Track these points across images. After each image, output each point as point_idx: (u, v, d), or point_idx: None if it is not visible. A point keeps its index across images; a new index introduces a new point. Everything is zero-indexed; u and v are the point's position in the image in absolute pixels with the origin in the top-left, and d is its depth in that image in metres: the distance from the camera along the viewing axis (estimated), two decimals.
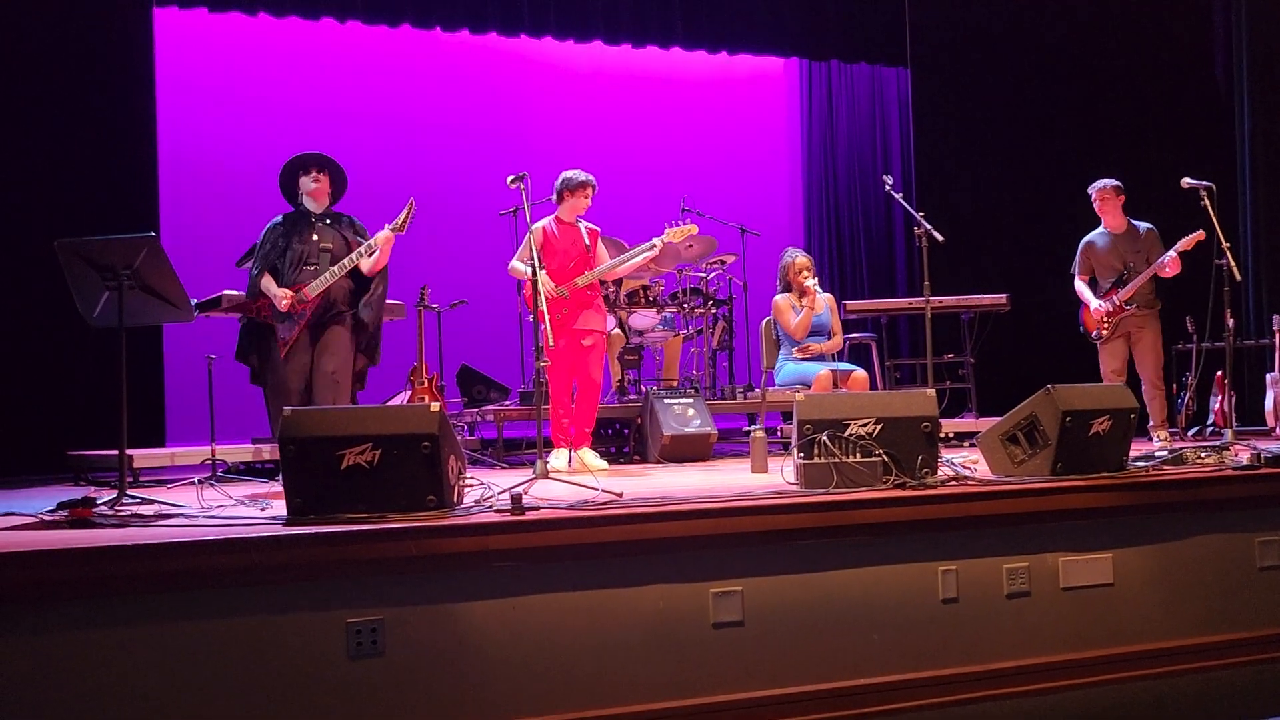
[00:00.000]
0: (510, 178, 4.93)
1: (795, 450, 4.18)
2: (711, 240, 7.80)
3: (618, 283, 7.16)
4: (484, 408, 7.25)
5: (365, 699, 3.25)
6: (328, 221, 5.25)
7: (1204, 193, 6.05)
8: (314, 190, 5.23)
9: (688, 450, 6.35)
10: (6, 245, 6.95)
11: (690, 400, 6.57)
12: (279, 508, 3.76)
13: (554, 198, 5.99)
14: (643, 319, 7.41)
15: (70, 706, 3.02)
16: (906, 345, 9.62)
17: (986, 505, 3.97)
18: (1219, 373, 7.47)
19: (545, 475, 4.33)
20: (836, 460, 4.05)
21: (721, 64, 9.91)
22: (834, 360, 6.56)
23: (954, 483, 4.17)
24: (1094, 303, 6.52)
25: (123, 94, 7.51)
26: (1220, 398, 7.61)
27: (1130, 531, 4.16)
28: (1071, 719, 3.84)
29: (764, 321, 6.75)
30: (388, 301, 5.54)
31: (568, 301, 5.83)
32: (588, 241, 5.98)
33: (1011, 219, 9.62)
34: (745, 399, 7.59)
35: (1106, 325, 6.53)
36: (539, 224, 5.88)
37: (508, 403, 7.42)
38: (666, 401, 6.51)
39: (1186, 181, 6.18)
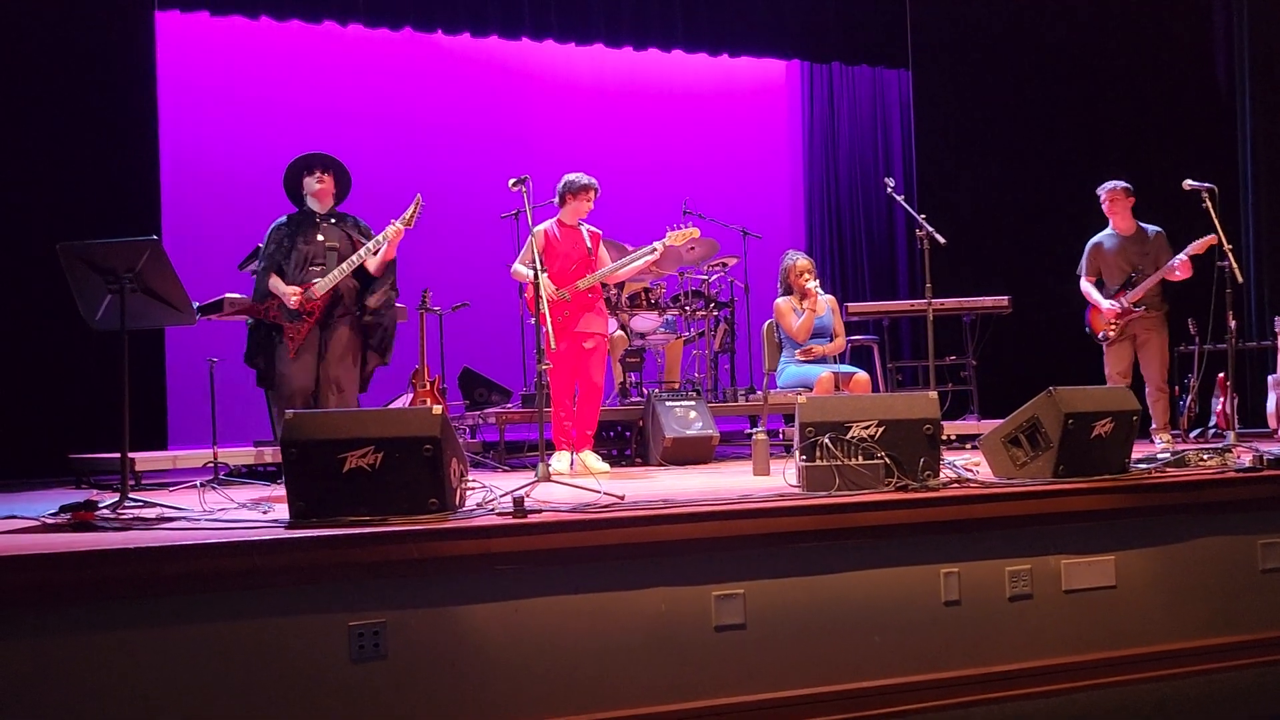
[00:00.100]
0: (512, 181, 4.93)
1: (797, 453, 4.18)
2: (713, 243, 7.80)
3: (620, 285, 7.16)
4: (486, 410, 7.26)
5: (367, 702, 3.25)
6: (332, 221, 5.26)
7: (1205, 195, 6.05)
8: (318, 191, 5.24)
9: (689, 453, 6.34)
10: (9, 248, 6.97)
11: (692, 403, 6.57)
12: (281, 511, 3.76)
13: (556, 200, 6.00)
14: (644, 321, 7.41)
15: (72, 709, 3.02)
16: (908, 347, 9.61)
17: (989, 508, 3.97)
18: (1221, 375, 7.46)
19: (547, 478, 4.33)
20: (838, 463, 4.05)
21: (723, 66, 9.91)
22: (836, 363, 6.56)
23: (956, 485, 4.16)
24: (1105, 303, 6.51)
25: (125, 97, 7.52)
26: (1222, 400, 7.61)
27: (1132, 534, 4.15)
28: None
29: (765, 324, 6.75)
30: None
31: (569, 304, 5.84)
32: (589, 244, 5.98)
33: (1013, 221, 9.62)
34: (747, 401, 7.59)
35: (1114, 327, 6.52)
36: (540, 227, 5.88)
37: (509, 405, 7.42)
38: (668, 404, 6.51)
39: (1188, 183, 6.18)
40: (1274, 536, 4.35)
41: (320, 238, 5.19)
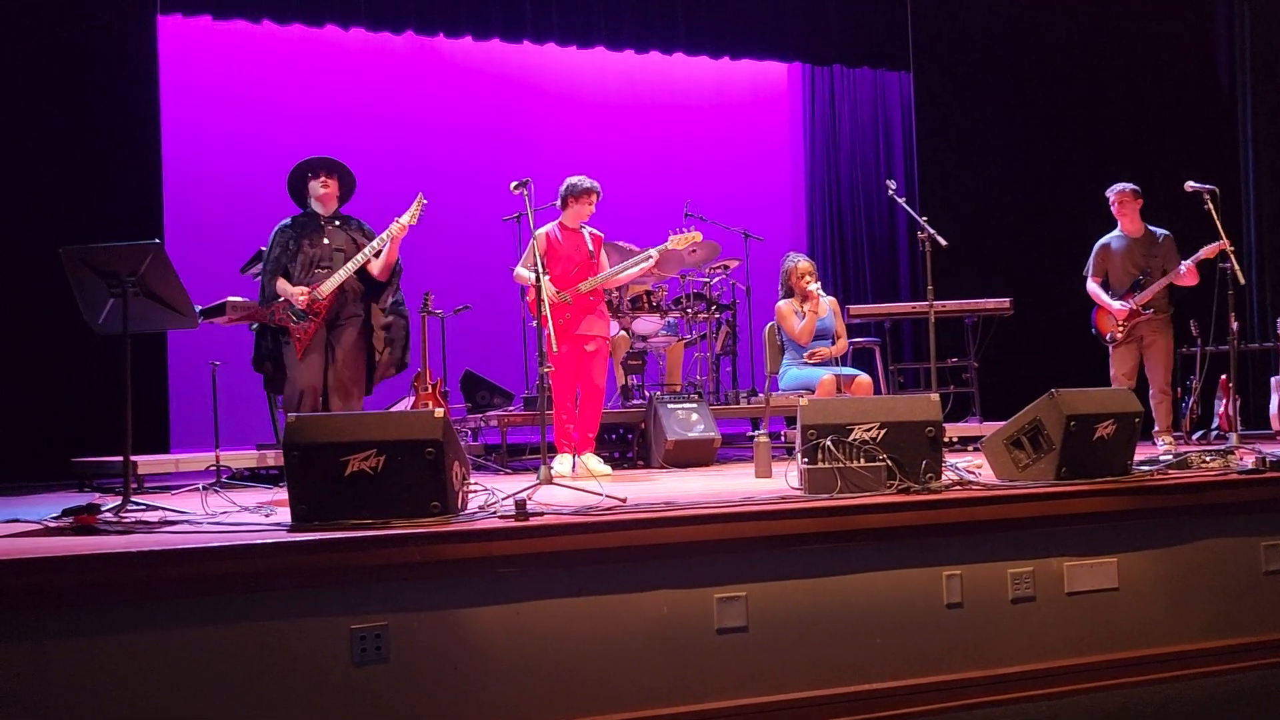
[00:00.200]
0: (514, 184, 4.94)
1: (799, 455, 4.18)
2: (715, 245, 7.80)
3: (622, 287, 7.16)
4: (488, 413, 7.26)
5: (370, 705, 3.25)
6: (337, 224, 5.28)
7: (1207, 196, 6.05)
8: (323, 195, 5.25)
9: (691, 455, 6.35)
10: (11, 252, 6.98)
11: (694, 405, 6.57)
12: (283, 514, 3.76)
13: (558, 203, 6.00)
14: (646, 324, 7.41)
15: (75, 712, 3.02)
16: (910, 349, 9.61)
17: (991, 510, 3.96)
18: (1223, 376, 7.46)
19: (549, 481, 4.33)
20: (840, 465, 4.04)
21: (724, 69, 9.91)
22: (838, 365, 6.55)
23: (958, 487, 4.16)
24: (1115, 304, 6.51)
25: (127, 100, 7.54)
26: (1225, 401, 7.60)
27: (1135, 536, 4.15)
28: None
29: (767, 326, 6.75)
30: None
31: (571, 307, 5.84)
32: (591, 247, 5.99)
33: (1014, 222, 9.62)
34: (749, 404, 7.59)
35: (1122, 329, 6.52)
36: (542, 230, 5.89)
37: (511, 408, 7.42)
38: (670, 406, 6.51)
39: (1190, 185, 6.17)
40: (1277, 538, 4.34)
41: (326, 240, 5.20)
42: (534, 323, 5.37)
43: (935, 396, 4.38)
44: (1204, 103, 9.82)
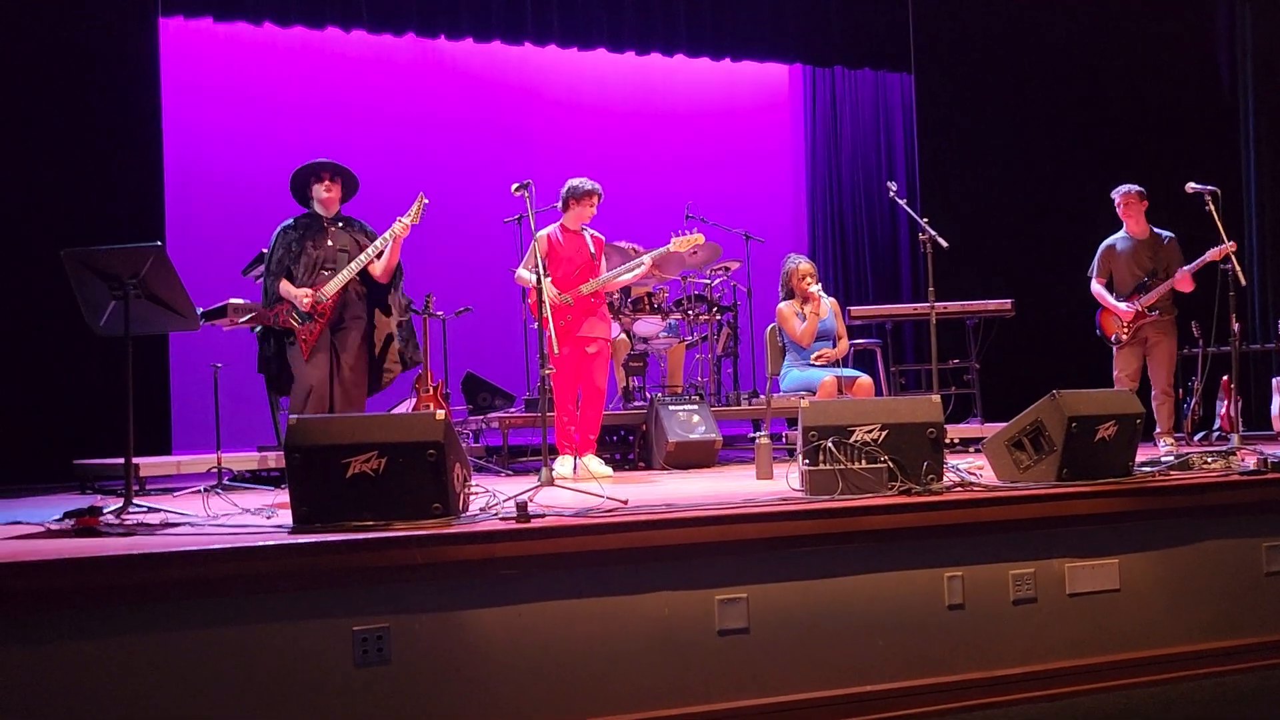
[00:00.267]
0: (515, 186, 4.94)
1: (800, 456, 4.18)
2: (716, 247, 7.80)
3: (626, 290, 7.15)
4: (489, 415, 7.26)
5: (371, 706, 3.25)
6: (340, 225, 5.28)
7: (1208, 197, 6.05)
8: (326, 199, 5.25)
9: (693, 457, 6.35)
10: (13, 254, 6.99)
11: (695, 407, 6.57)
12: (285, 516, 3.77)
13: (559, 205, 6.01)
14: (647, 326, 7.41)
15: (76, 715, 3.02)
16: (911, 351, 9.61)
17: (992, 511, 3.96)
18: (1225, 377, 7.46)
19: (550, 482, 4.33)
20: (842, 466, 4.04)
21: (725, 71, 9.92)
22: (839, 366, 6.55)
23: (959, 489, 4.16)
24: (1121, 306, 6.52)
25: (129, 103, 7.55)
26: (1226, 402, 7.60)
27: (1136, 537, 4.14)
28: None
29: (768, 328, 6.75)
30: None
31: (572, 309, 5.85)
32: (593, 249, 5.99)
33: (1016, 224, 9.62)
34: (750, 405, 7.59)
35: (1127, 330, 6.53)
36: (544, 231, 5.90)
37: (513, 410, 7.42)
38: (671, 408, 6.52)
39: (1191, 186, 6.18)
40: (1278, 539, 4.34)
41: (330, 242, 5.21)
42: (535, 324, 5.38)
43: (936, 398, 4.38)
44: (1205, 103, 9.82)
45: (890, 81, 10.13)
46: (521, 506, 3.57)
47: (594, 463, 5.83)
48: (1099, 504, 4.09)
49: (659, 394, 7.13)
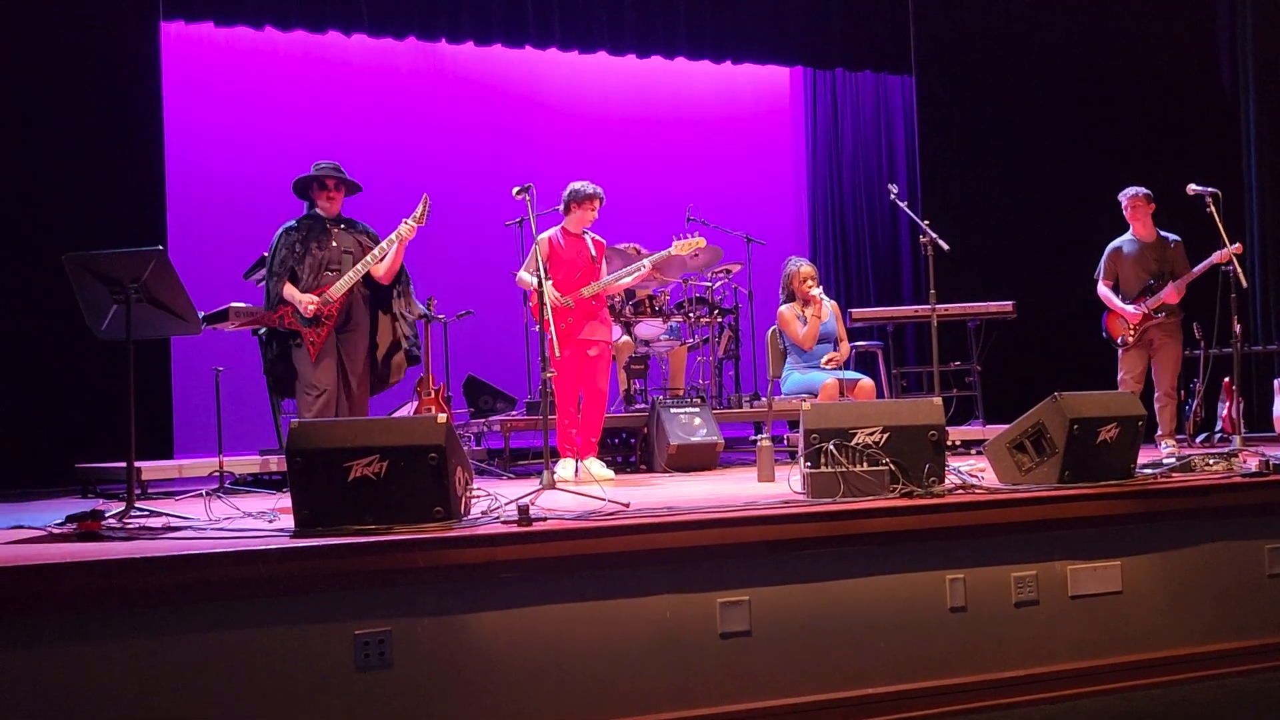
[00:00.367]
0: (516, 189, 4.95)
1: (802, 459, 4.18)
2: (717, 250, 7.80)
3: (629, 292, 7.15)
4: (490, 418, 7.26)
5: (373, 710, 3.26)
6: (342, 226, 5.28)
7: (1209, 199, 6.05)
8: (328, 205, 5.25)
9: (694, 459, 6.35)
10: (15, 258, 6.99)
11: (696, 409, 6.57)
12: (286, 520, 3.77)
13: (561, 209, 6.01)
14: (649, 328, 7.42)
15: (78, 718, 3.02)
16: (913, 353, 9.61)
17: (994, 514, 3.96)
18: (1227, 379, 7.46)
19: (552, 486, 4.33)
20: (843, 469, 4.04)
21: (726, 73, 9.92)
22: (840, 368, 6.55)
23: (961, 491, 4.16)
24: (1129, 308, 6.52)
25: (130, 107, 7.55)
26: (1228, 404, 7.60)
27: (1139, 539, 4.14)
28: None
29: (770, 331, 6.75)
30: None
31: (573, 312, 5.85)
32: (594, 252, 6.00)
33: (1017, 226, 9.61)
34: (751, 408, 7.59)
35: (1133, 332, 6.53)
36: (545, 234, 5.90)
37: (514, 413, 7.42)
38: (673, 411, 6.51)
39: (1192, 188, 6.17)
40: None
41: (334, 243, 5.21)
42: (536, 327, 5.38)
43: (938, 400, 4.38)
44: (1206, 105, 9.81)
45: (891, 83, 10.13)
46: (523, 510, 3.57)
47: (595, 465, 5.83)
48: (1101, 506, 4.09)
49: (660, 396, 7.13)
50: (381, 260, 5.14)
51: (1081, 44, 9.83)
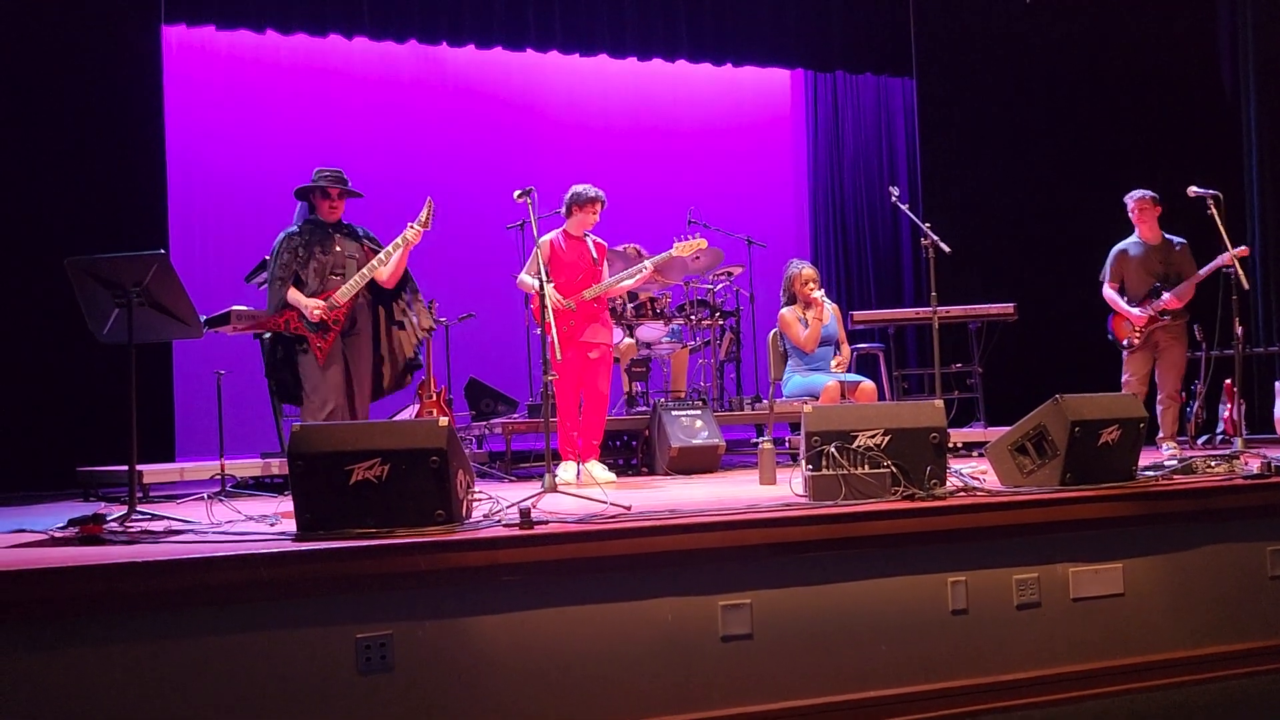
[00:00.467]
0: (517, 192, 4.95)
1: (803, 462, 4.18)
2: (718, 252, 7.80)
3: (631, 294, 7.15)
4: (492, 421, 7.27)
5: (375, 714, 3.26)
6: (344, 231, 5.27)
7: (1211, 201, 6.05)
8: (330, 213, 5.23)
9: (696, 462, 6.34)
10: (17, 262, 7.00)
11: (698, 412, 6.57)
12: (288, 523, 3.77)
13: (562, 211, 6.01)
14: (650, 331, 7.42)
15: None
16: (914, 355, 9.61)
17: (996, 516, 3.96)
18: (1228, 381, 7.45)
19: (553, 488, 4.33)
20: (845, 472, 4.05)
21: (727, 76, 9.92)
22: (842, 371, 6.55)
23: (963, 493, 4.16)
24: (1135, 311, 6.53)
25: (132, 111, 7.56)
26: (1230, 406, 7.60)
27: (1140, 541, 4.14)
28: None
29: (771, 333, 6.75)
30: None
31: (574, 314, 5.85)
32: (595, 255, 6.00)
33: (1018, 227, 9.62)
34: (753, 410, 7.59)
35: (1139, 335, 6.54)
36: (546, 237, 5.90)
37: (516, 416, 7.43)
38: (674, 413, 6.51)
39: (1193, 190, 6.17)
40: None
41: (338, 248, 5.19)
42: (538, 330, 5.38)
43: (939, 402, 4.38)
44: (1207, 107, 9.81)
45: (892, 86, 10.13)
46: (525, 513, 3.57)
47: (597, 468, 5.83)
48: (1102, 508, 4.09)
49: (662, 399, 7.13)
50: (386, 261, 5.13)
51: (1082, 45, 9.83)
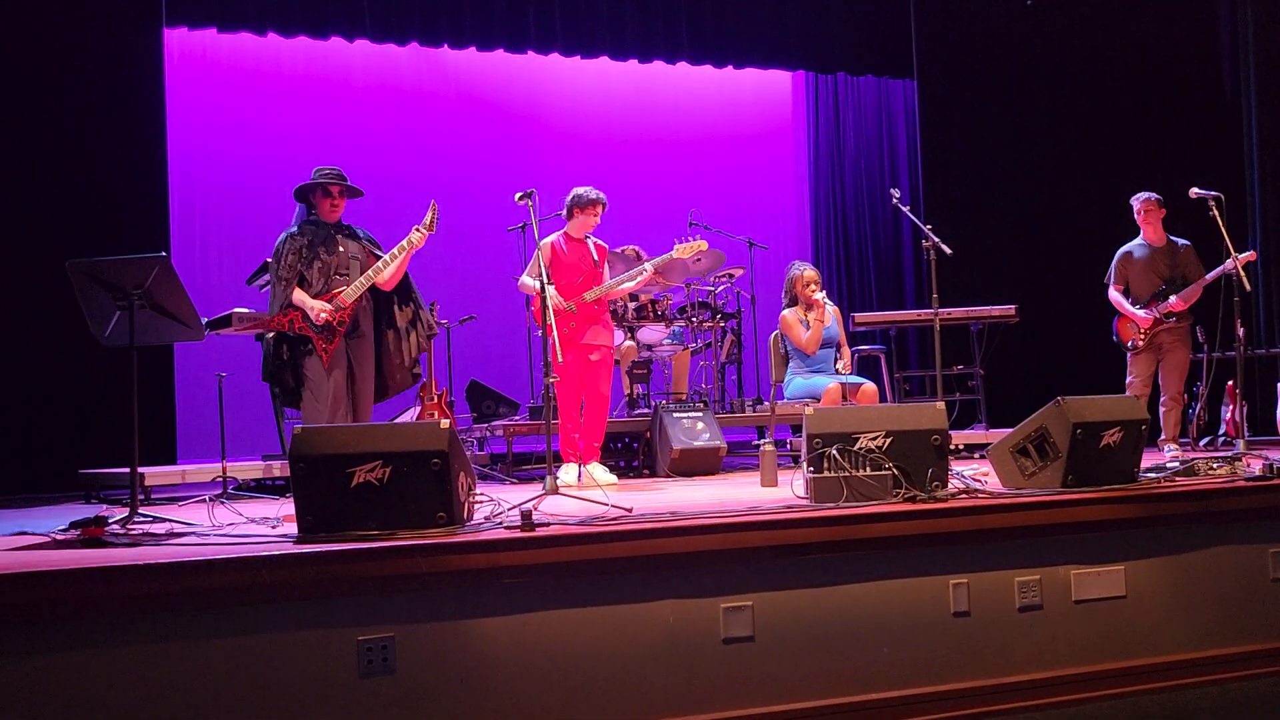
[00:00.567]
0: (518, 194, 4.95)
1: (805, 464, 4.18)
2: (719, 254, 7.80)
3: (633, 296, 7.15)
4: (493, 423, 7.27)
5: (376, 716, 3.25)
6: (345, 232, 5.27)
7: (1212, 202, 6.05)
8: (331, 212, 5.23)
9: (697, 464, 6.34)
10: (19, 264, 7.01)
11: (699, 414, 6.56)
12: (289, 525, 3.77)
13: (563, 214, 6.02)
14: (651, 333, 7.42)
15: None
16: (916, 357, 9.61)
17: (997, 518, 3.96)
18: (1230, 382, 7.45)
19: (555, 491, 4.33)
20: (846, 474, 4.04)
21: (728, 78, 9.93)
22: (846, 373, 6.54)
23: (964, 495, 4.15)
24: (1140, 313, 6.53)
25: (133, 113, 7.57)
26: (1232, 407, 7.59)
27: (1142, 544, 4.14)
28: None
29: (772, 335, 6.75)
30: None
31: (575, 317, 5.85)
32: (596, 257, 6.00)
33: (1019, 228, 9.62)
34: (754, 412, 7.58)
35: (1144, 337, 6.54)
36: (547, 240, 5.91)
37: (517, 418, 7.43)
38: (676, 415, 6.51)
39: (1195, 191, 6.17)
40: None
41: (341, 249, 5.18)
42: (539, 332, 5.38)
43: (941, 404, 4.38)
44: (1208, 107, 9.81)
45: (893, 87, 10.13)
46: (526, 515, 3.57)
47: (598, 470, 5.83)
48: (1104, 510, 4.09)
49: (663, 401, 7.13)
50: (391, 263, 5.12)
51: (1082, 46, 9.83)
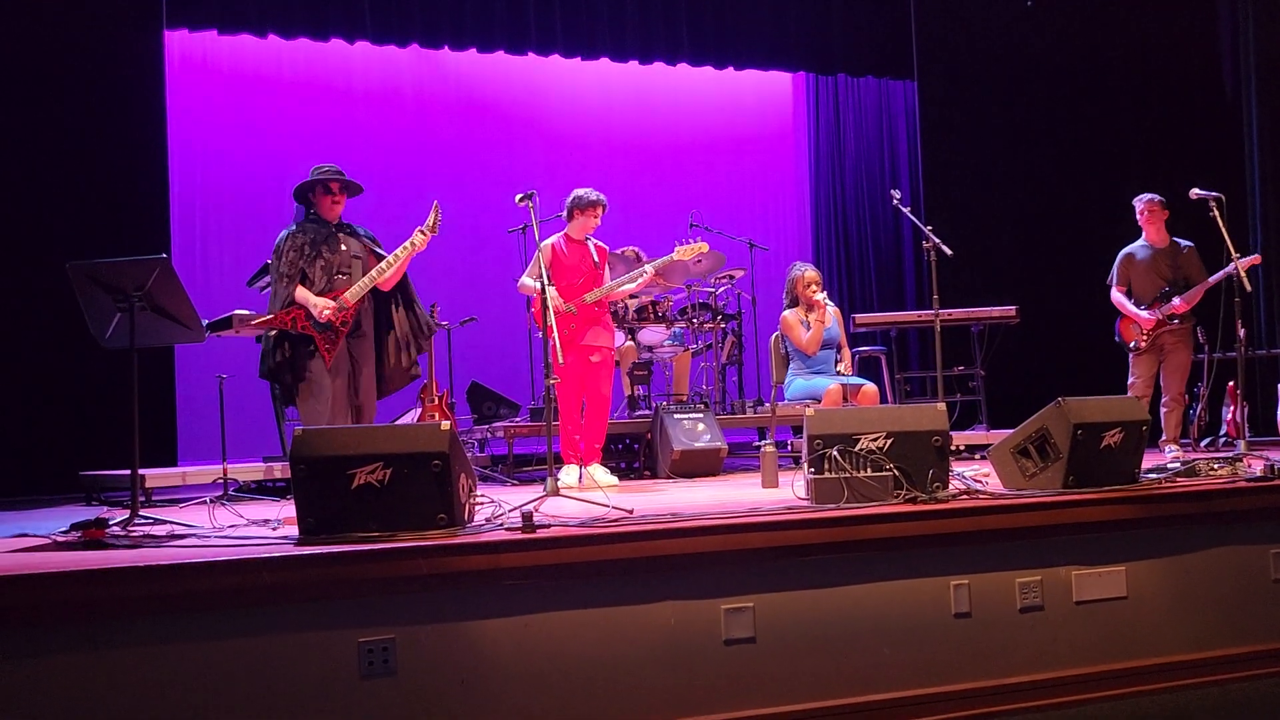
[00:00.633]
0: (519, 196, 4.94)
1: (806, 465, 4.17)
2: (720, 255, 7.80)
3: (633, 297, 7.15)
4: (494, 424, 7.27)
5: (377, 718, 3.25)
6: (346, 231, 5.26)
7: (1213, 203, 6.04)
8: (332, 210, 5.21)
9: (698, 465, 6.34)
10: (20, 266, 7.01)
11: (700, 415, 6.56)
12: (290, 527, 3.77)
13: (564, 215, 6.02)
14: (652, 334, 7.42)
15: None
16: (916, 358, 9.60)
17: (998, 519, 3.96)
18: (1231, 383, 7.45)
19: (556, 492, 4.33)
20: (847, 475, 4.04)
21: (728, 79, 9.93)
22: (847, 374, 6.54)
23: (965, 496, 4.15)
24: (1143, 314, 6.54)
25: (134, 115, 7.57)
26: (1232, 408, 7.59)
27: (1143, 544, 4.14)
28: None
29: (773, 336, 6.75)
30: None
31: (576, 318, 5.85)
32: (596, 259, 6.00)
33: (1020, 229, 9.62)
34: (755, 414, 7.58)
35: (1146, 338, 6.55)
36: (548, 241, 5.91)
37: (518, 419, 7.43)
38: (676, 416, 6.51)
39: (1195, 192, 6.17)
40: None
41: (343, 247, 5.16)
42: (540, 334, 5.38)
43: (942, 405, 4.38)
44: (1208, 107, 9.81)
45: (894, 89, 10.14)
46: (527, 516, 3.57)
47: (599, 472, 5.83)
48: (1105, 511, 4.09)
49: (664, 402, 7.12)
50: (393, 264, 5.11)
51: (1082, 46, 9.83)
